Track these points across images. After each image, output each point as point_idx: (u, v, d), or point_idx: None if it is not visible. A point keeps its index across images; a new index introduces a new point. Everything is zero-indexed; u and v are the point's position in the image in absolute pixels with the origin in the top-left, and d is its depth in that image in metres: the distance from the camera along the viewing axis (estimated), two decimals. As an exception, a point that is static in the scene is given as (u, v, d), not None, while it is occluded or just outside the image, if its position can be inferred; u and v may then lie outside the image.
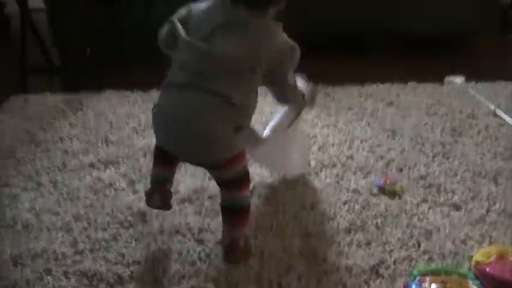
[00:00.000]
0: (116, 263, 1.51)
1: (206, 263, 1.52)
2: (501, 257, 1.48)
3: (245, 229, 1.54)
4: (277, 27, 1.44)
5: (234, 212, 1.52)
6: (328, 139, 2.19)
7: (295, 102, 1.68)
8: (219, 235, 1.58)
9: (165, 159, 1.59)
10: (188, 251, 1.55)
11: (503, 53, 3.46)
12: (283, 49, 1.44)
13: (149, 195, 1.62)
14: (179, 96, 1.41)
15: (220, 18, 1.40)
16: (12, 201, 1.80)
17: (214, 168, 1.52)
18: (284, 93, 1.56)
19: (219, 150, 1.42)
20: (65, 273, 1.48)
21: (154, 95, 2.60)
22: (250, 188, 1.61)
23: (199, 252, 1.56)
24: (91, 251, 1.56)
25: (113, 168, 1.98)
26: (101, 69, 2.96)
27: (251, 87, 1.43)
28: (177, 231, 1.64)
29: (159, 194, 1.61)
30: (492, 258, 1.47)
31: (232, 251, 1.52)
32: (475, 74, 2.90)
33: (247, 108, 1.45)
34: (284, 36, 1.45)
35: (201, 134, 1.38)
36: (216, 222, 1.65)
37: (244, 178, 1.51)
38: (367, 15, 3.22)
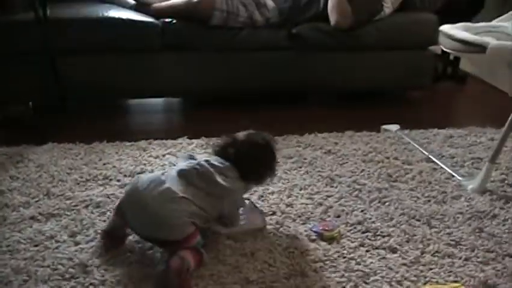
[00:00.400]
0: (56, 316, 1.51)
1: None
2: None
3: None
4: None
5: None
6: (268, 187, 2.23)
7: None
8: None
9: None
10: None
11: (434, 101, 3.63)
12: None
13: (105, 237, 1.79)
14: None
15: None
16: (-50, 256, 1.77)
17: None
18: None
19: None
20: (4, 327, 1.47)
21: (97, 147, 2.62)
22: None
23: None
24: (31, 304, 1.55)
25: (54, 221, 1.97)
26: (43, 123, 2.95)
27: None
28: (119, 282, 1.64)
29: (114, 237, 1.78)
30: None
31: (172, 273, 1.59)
32: (409, 122, 3.03)
33: None
34: None
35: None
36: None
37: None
38: (308, 76, 3.38)
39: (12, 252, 1.79)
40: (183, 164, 1.82)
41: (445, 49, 2.34)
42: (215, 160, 1.83)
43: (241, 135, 1.92)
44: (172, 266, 1.57)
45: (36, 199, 2.13)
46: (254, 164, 1.87)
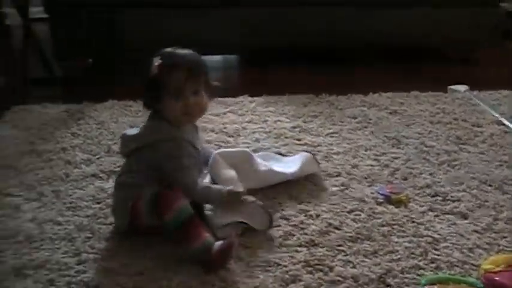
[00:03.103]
0: (119, 274, 1.49)
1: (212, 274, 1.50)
2: (510, 265, 1.46)
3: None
4: None
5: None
6: (333, 148, 2.18)
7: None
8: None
9: None
10: (194, 263, 1.53)
11: (504, 62, 3.47)
12: None
13: None
14: None
15: None
16: (13, 212, 1.77)
17: None
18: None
19: None
20: (68, 284, 1.46)
21: (156, 104, 2.60)
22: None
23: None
24: (94, 261, 1.54)
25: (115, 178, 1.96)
26: (102, 79, 2.95)
27: None
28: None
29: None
30: (501, 267, 1.45)
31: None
32: (477, 83, 2.91)
33: None
34: None
35: None
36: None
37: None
38: (371, 30, 3.25)
39: (75, 209, 1.78)
40: None
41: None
42: None
43: None
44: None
45: (98, 156, 2.13)
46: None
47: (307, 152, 2.05)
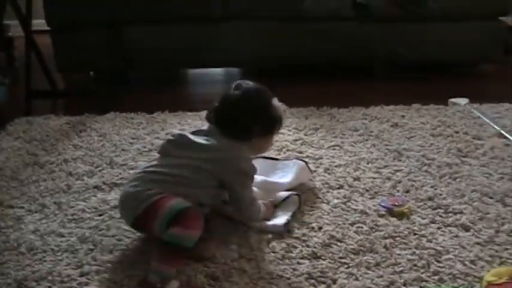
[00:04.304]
0: (122, 286, 1.49)
1: (215, 287, 1.49)
2: (513, 277, 1.46)
3: (170, 269, 1.48)
4: None
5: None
6: (335, 160, 2.18)
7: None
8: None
9: None
10: (196, 274, 1.53)
11: (505, 76, 3.47)
12: None
13: None
14: None
15: None
16: (16, 223, 1.78)
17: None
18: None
19: None
20: (71, 296, 1.46)
21: (159, 117, 2.61)
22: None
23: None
24: (97, 273, 1.54)
25: (118, 190, 1.96)
26: (105, 92, 2.96)
27: None
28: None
29: None
30: (504, 279, 1.45)
31: None
32: (478, 96, 2.91)
33: None
34: None
35: None
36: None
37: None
38: (373, 47, 3.29)
39: (77, 221, 1.79)
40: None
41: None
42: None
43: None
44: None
45: (100, 168, 2.13)
46: (231, 114, 1.70)
47: (299, 159, 2.06)
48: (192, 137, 1.69)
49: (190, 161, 1.63)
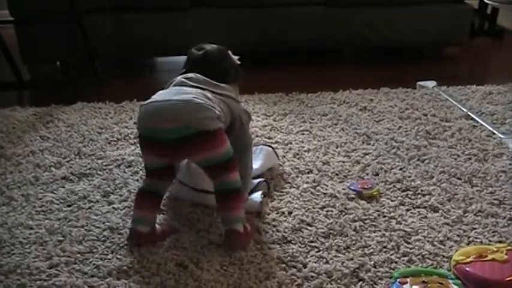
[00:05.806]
0: (92, 276, 1.48)
1: (186, 274, 1.49)
2: (480, 256, 1.48)
3: (239, 213, 1.56)
4: None
5: (224, 195, 1.56)
6: (304, 145, 2.19)
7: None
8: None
9: (148, 201, 1.62)
10: (166, 262, 1.52)
11: (471, 58, 3.51)
12: None
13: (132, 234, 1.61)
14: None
15: None
16: (-17, 217, 1.75)
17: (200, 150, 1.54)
18: None
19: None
20: (40, 288, 1.44)
21: (127, 106, 2.59)
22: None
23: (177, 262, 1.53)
24: (66, 264, 1.52)
25: (86, 181, 1.95)
26: (71, 82, 2.92)
27: None
28: (153, 243, 1.61)
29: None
30: (471, 258, 1.47)
31: (232, 237, 1.55)
32: (445, 79, 2.94)
33: None
34: None
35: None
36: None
37: (230, 161, 1.56)
38: (342, 29, 3.29)
39: (46, 212, 1.77)
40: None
41: (487, 1, 2.24)
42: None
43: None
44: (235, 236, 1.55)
45: (68, 159, 2.11)
46: (212, 61, 1.84)
47: (266, 145, 2.06)
48: (199, 76, 1.74)
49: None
